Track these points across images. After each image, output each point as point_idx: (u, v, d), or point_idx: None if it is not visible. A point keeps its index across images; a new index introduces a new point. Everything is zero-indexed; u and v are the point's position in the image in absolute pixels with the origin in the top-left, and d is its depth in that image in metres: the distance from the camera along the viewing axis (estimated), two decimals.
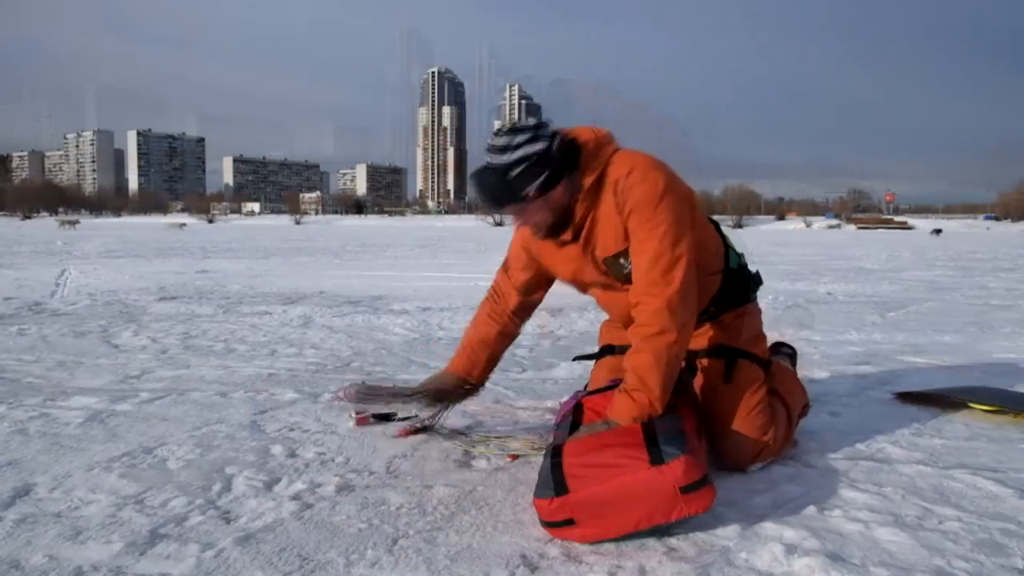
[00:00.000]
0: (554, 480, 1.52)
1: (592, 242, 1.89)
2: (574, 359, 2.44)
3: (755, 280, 2.12)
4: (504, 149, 1.76)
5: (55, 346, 3.66)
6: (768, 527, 1.57)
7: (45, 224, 50.74)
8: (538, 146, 1.76)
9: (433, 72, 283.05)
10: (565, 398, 2.57)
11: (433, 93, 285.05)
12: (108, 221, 78.37)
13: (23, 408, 2.46)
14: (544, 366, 3.31)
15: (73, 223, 41.79)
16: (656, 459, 1.49)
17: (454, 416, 2.43)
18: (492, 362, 2.20)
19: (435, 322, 4.59)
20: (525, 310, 2.17)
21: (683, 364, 1.83)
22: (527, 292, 2.13)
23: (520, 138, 1.76)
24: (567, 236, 1.89)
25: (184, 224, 51.10)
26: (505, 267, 2.16)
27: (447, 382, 2.17)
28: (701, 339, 2.00)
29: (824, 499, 1.73)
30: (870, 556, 1.44)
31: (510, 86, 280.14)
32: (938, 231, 48.74)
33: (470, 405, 2.58)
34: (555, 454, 1.60)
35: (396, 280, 7.87)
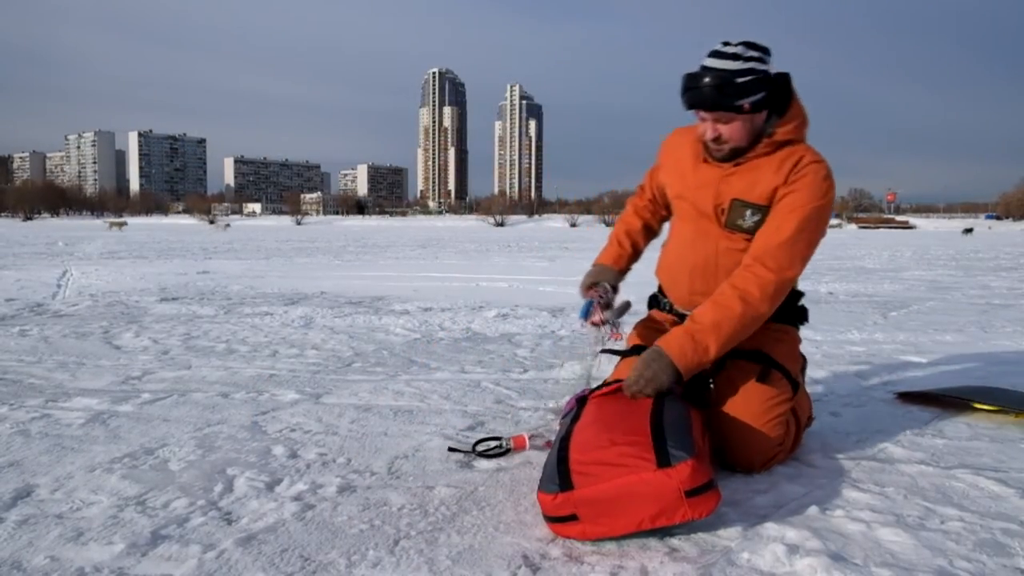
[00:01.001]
0: (559, 475, 1.52)
1: (736, 177, 1.94)
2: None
3: (804, 312, 2.15)
4: (736, 57, 1.81)
5: (57, 347, 3.66)
6: (770, 527, 1.56)
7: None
8: (765, 67, 1.84)
9: (434, 73, 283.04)
10: (567, 398, 2.57)
11: (433, 94, 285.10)
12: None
13: (25, 409, 2.46)
14: (545, 366, 3.30)
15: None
16: (663, 461, 1.48)
17: (455, 416, 2.44)
18: (637, 253, 2.32)
19: (436, 322, 4.60)
20: (665, 207, 2.28)
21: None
22: (664, 193, 2.23)
23: (753, 53, 1.82)
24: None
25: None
26: (652, 169, 2.28)
27: (606, 275, 2.24)
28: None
29: (826, 499, 1.73)
30: (872, 556, 1.44)
31: (511, 86, 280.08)
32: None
33: (471, 405, 2.59)
34: (562, 447, 1.60)
35: (397, 280, 7.87)
